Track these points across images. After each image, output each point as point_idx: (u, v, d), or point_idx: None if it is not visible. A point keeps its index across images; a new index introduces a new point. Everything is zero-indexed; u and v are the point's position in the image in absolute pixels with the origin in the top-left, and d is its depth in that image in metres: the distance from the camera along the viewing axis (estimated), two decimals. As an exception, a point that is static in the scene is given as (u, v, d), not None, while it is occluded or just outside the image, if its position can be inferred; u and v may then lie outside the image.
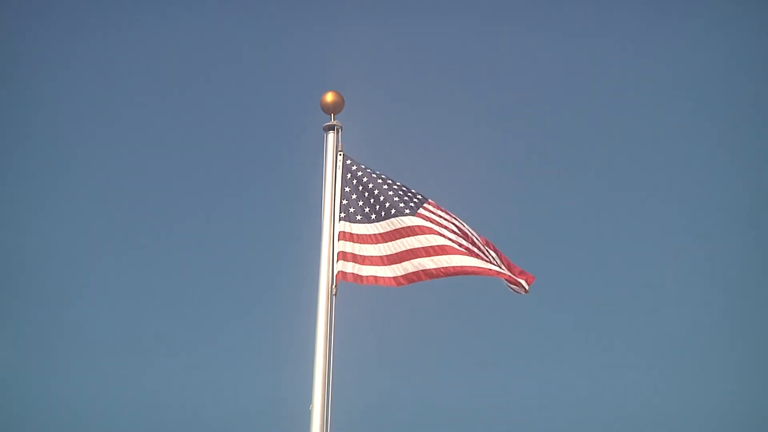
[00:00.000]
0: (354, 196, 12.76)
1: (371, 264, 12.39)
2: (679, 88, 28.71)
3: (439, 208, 12.75)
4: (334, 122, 12.95)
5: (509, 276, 12.33)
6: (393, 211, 12.53)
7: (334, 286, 12.13)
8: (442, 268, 12.19)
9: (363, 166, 12.92)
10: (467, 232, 12.64)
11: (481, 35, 29.87)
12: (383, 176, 12.92)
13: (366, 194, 12.77)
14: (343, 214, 12.65)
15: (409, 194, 12.81)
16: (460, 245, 12.28)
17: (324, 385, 11.54)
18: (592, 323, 26.38)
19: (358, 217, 12.66)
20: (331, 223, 12.51)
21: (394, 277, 12.31)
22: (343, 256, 12.35)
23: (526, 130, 29.36)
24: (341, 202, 12.69)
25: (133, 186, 28.27)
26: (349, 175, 12.84)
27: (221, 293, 26.71)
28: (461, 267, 12.16)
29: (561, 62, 29.67)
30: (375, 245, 12.49)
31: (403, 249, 12.40)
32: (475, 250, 12.40)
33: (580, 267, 27.71)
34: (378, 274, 12.34)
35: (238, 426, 22.40)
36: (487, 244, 12.79)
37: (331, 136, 12.92)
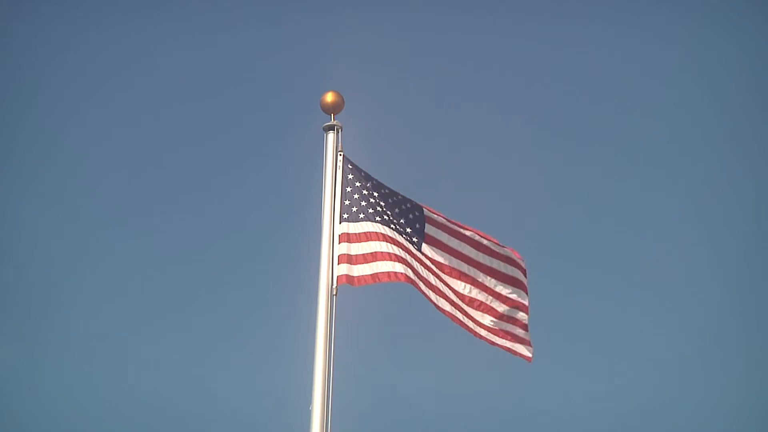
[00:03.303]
0: (356, 196, 12.74)
1: (375, 260, 12.39)
2: (681, 87, 28.70)
3: (439, 228, 12.88)
4: (334, 122, 12.92)
5: (499, 343, 12.74)
6: (404, 237, 12.65)
7: (334, 287, 12.11)
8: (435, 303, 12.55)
9: (363, 171, 12.92)
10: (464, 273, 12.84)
11: (482, 35, 29.86)
12: (384, 187, 12.95)
13: (368, 196, 12.77)
14: (345, 215, 12.63)
15: (410, 207, 12.88)
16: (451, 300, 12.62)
17: (324, 385, 11.52)
18: (594, 323, 26.37)
19: (361, 216, 12.65)
20: (330, 223, 12.49)
21: (402, 273, 12.37)
22: (345, 258, 12.34)
23: (527, 129, 29.38)
24: (343, 202, 12.67)
25: (132, 186, 28.27)
26: (350, 176, 12.82)
27: (221, 293, 26.71)
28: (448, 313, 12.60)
29: (563, 61, 29.67)
30: (381, 242, 12.50)
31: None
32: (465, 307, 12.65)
33: (583, 266, 27.70)
34: (382, 270, 12.35)
35: (238, 426, 22.40)
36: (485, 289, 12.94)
37: (331, 136, 12.90)
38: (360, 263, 12.36)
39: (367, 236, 12.54)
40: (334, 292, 12.08)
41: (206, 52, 29.43)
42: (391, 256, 12.41)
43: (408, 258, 12.56)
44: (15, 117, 27.35)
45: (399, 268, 12.36)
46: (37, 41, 28.27)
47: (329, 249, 12.33)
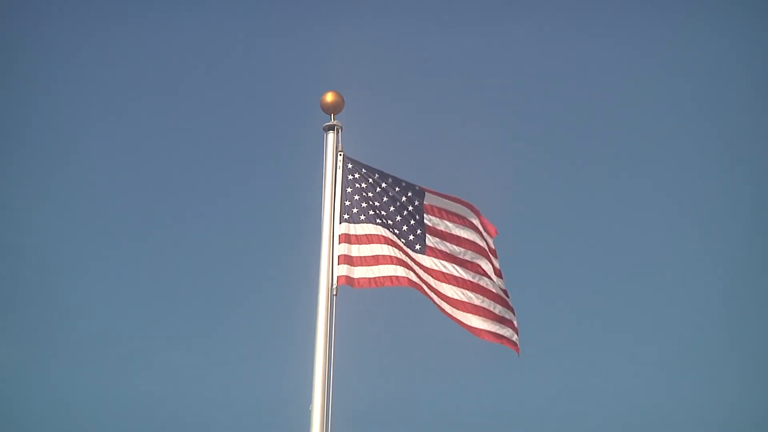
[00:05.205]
0: (357, 197, 12.75)
1: (377, 264, 12.43)
2: (680, 87, 28.73)
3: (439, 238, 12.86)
4: (334, 122, 12.92)
5: (497, 338, 12.77)
6: (402, 240, 12.64)
7: (334, 287, 12.12)
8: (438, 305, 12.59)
9: (364, 168, 12.91)
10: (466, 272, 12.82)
11: (481, 35, 29.88)
12: (384, 179, 12.90)
13: (369, 196, 12.77)
14: (346, 216, 12.64)
15: (411, 211, 12.83)
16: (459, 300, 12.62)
17: (324, 385, 11.53)
18: (593, 323, 26.38)
19: (362, 217, 12.67)
20: (331, 223, 12.50)
21: (404, 277, 12.45)
22: (346, 259, 12.34)
23: (527, 128, 29.39)
24: (343, 203, 12.67)
25: (132, 187, 28.30)
26: (350, 176, 12.82)
27: (221, 293, 26.73)
28: (453, 317, 12.65)
29: (562, 61, 29.70)
30: (383, 245, 12.54)
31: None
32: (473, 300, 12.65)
33: (582, 267, 27.71)
34: (384, 274, 12.41)
35: (239, 426, 22.42)
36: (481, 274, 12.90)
37: (331, 136, 12.90)
38: (361, 265, 12.38)
39: (368, 239, 12.57)
40: (335, 292, 12.09)
41: (206, 52, 29.45)
42: (393, 260, 12.47)
43: (408, 261, 12.58)
44: (20, 119, 27.39)
45: (401, 272, 12.44)
46: (42, 45, 28.30)
47: (329, 249, 12.35)
